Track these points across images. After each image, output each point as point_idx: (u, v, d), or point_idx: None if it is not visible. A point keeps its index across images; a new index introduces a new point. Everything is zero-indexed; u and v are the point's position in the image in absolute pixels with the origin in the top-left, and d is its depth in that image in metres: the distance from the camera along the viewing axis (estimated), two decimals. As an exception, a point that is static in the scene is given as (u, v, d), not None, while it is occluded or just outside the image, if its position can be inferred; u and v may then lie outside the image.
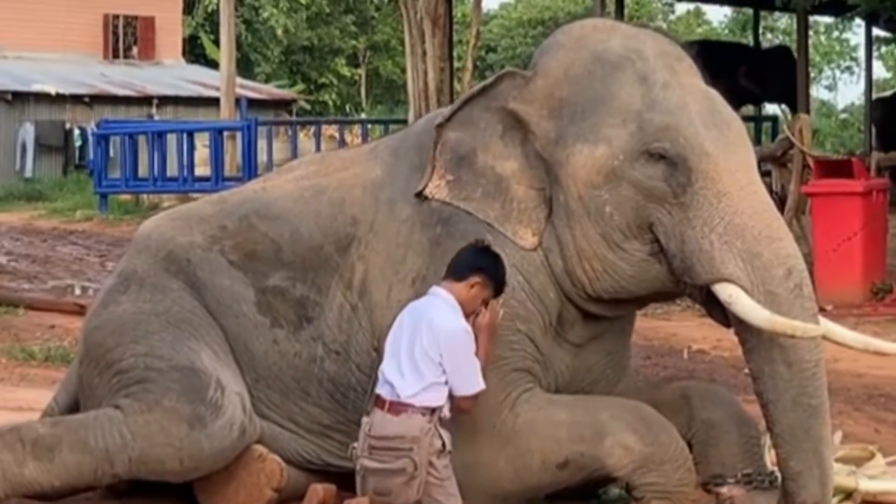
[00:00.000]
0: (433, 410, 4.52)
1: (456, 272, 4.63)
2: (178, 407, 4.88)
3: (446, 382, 4.54)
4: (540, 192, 4.84)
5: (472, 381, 4.54)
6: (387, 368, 4.62)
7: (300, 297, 5.08)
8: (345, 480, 5.16)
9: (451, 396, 4.55)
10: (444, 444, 4.54)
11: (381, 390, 4.59)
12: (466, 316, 4.60)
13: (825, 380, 4.56)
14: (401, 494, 4.48)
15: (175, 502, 5.11)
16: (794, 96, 22.01)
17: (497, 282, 4.63)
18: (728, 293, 4.50)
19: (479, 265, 4.62)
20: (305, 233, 5.11)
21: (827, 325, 4.65)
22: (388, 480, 4.50)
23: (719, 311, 4.61)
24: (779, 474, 4.70)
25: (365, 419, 4.62)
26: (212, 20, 36.88)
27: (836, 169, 11.81)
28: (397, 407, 4.52)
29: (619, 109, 4.70)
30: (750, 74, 20.39)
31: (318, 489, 4.72)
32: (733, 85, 18.01)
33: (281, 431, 5.08)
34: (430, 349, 4.52)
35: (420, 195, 4.89)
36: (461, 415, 4.57)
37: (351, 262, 5.04)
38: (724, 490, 4.76)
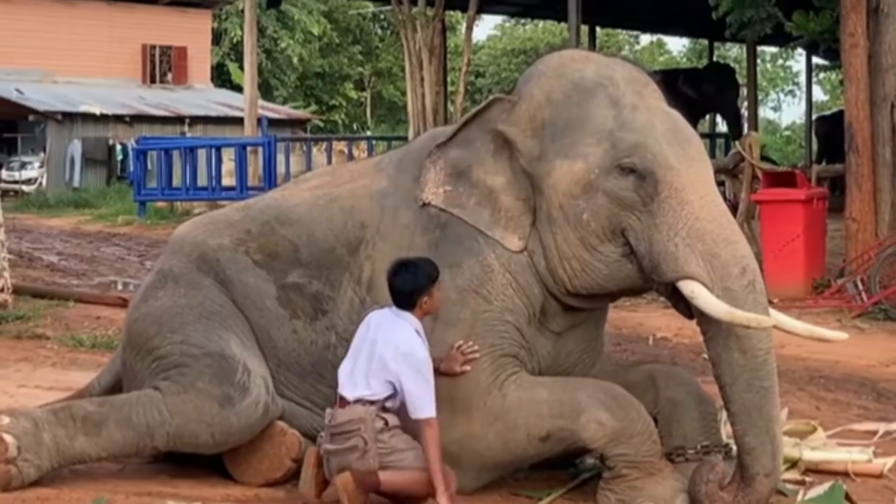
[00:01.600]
0: (373, 402, 4.55)
1: (409, 303, 4.59)
2: (210, 388, 4.87)
3: (391, 397, 4.55)
4: (525, 202, 4.83)
5: (424, 406, 4.47)
6: (344, 370, 4.64)
7: (316, 292, 5.07)
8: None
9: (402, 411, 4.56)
10: (386, 423, 4.55)
11: (341, 391, 4.62)
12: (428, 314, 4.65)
13: (775, 365, 4.55)
14: (360, 468, 4.49)
15: (206, 470, 5.09)
16: (724, 102, 22.35)
17: (432, 281, 4.61)
18: (691, 289, 4.48)
19: (420, 286, 4.58)
20: (320, 236, 5.10)
21: (777, 316, 4.64)
22: (346, 457, 4.52)
23: (683, 305, 4.59)
24: (733, 446, 4.70)
25: (328, 411, 4.66)
26: (236, 50, 36.88)
27: (781, 179, 11.81)
28: (346, 403, 4.58)
29: (594, 129, 4.69)
30: (686, 81, 20.96)
31: (314, 451, 4.70)
32: (675, 90, 19.24)
33: (299, 409, 5.07)
34: (388, 369, 4.50)
35: (422, 204, 4.89)
36: (427, 440, 4.44)
37: (360, 261, 5.03)
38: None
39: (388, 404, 4.57)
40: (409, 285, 4.60)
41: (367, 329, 4.66)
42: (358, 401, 4.56)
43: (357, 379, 4.59)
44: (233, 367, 4.90)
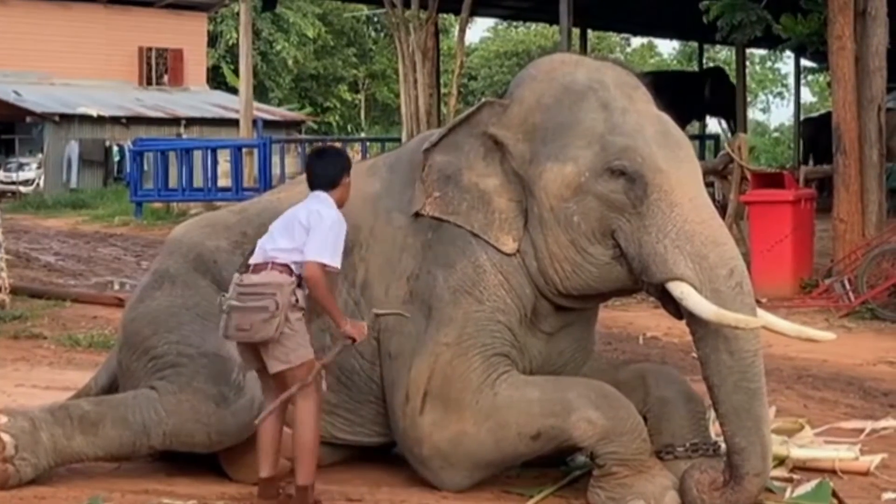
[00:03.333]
0: (292, 272, 4.55)
1: (331, 184, 4.71)
2: (205, 388, 4.86)
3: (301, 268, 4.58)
4: (518, 204, 4.83)
5: (323, 251, 4.52)
6: (260, 242, 4.68)
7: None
8: (351, 452, 5.19)
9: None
10: (297, 300, 4.53)
11: (253, 259, 4.63)
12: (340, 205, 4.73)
13: (762, 366, 4.55)
14: (259, 330, 4.45)
15: (202, 468, 5.09)
16: (723, 104, 22.46)
17: (347, 169, 4.78)
18: (680, 290, 4.49)
19: (342, 168, 4.76)
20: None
21: (766, 317, 4.64)
22: (250, 316, 4.47)
23: (672, 306, 4.60)
24: (721, 444, 4.70)
25: (237, 276, 4.62)
26: (232, 52, 36.78)
27: (769, 181, 11.83)
28: (261, 267, 4.57)
29: (584, 133, 4.70)
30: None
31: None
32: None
33: (295, 410, 5.06)
34: (303, 221, 4.59)
35: (415, 214, 4.90)
36: (309, 284, 4.51)
37: (354, 263, 5.02)
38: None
39: (302, 285, 4.56)
40: (332, 169, 4.75)
41: (285, 213, 4.72)
42: (273, 263, 4.55)
43: (276, 235, 4.63)
44: (228, 368, 4.88)
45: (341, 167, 4.77)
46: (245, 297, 4.50)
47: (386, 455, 5.20)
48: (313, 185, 4.75)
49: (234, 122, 25.49)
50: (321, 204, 4.65)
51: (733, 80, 24.87)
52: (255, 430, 4.83)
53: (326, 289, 4.54)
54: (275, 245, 4.60)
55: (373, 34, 46.18)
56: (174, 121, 31.76)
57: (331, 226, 4.57)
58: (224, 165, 21.48)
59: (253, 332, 4.47)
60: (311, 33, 41.79)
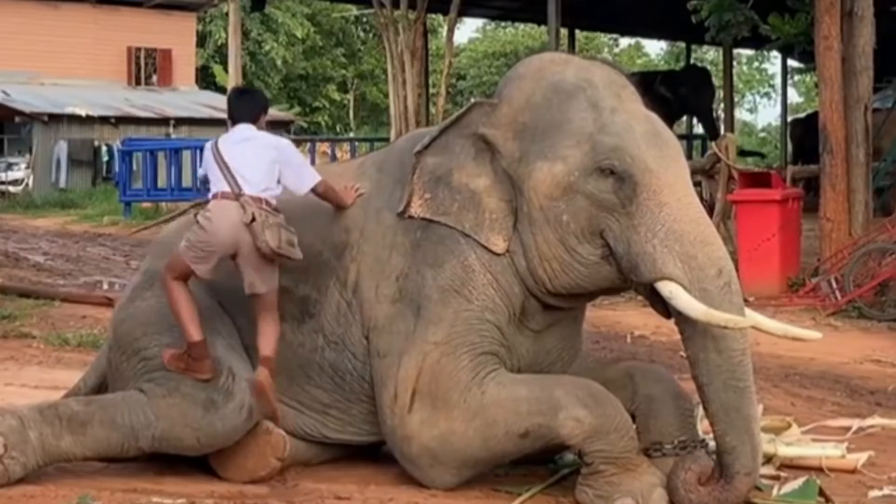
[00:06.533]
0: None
1: (251, 118, 5.06)
2: (194, 393, 4.83)
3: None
4: (508, 203, 4.83)
5: (309, 175, 4.99)
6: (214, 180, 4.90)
7: (303, 296, 5.05)
8: (341, 451, 5.19)
9: None
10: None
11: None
12: None
13: (751, 365, 4.55)
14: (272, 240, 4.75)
15: (191, 467, 5.08)
16: (699, 103, 22.49)
17: (267, 103, 5.23)
18: (669, 290, 4.49)
19: (262, 105, 5.15)
20: (307, 241, 5.03)
21: (754, 317, 4.64)
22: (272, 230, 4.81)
23: (661, 305, 4.59)
24: (710, 441, 4.70)
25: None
26: (221, 52, 36.76)
27: (756, 180, 11.87)
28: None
29: (573, 132, 4.69)
30: (663, 82, 21.42)
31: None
32: (653, 91, 19.87)
33: (286, 409, 5.03)
34: (267, 156, 4.91)
35: (403, 214, 4.89)
36: (327, 195, 5.00)
37: (346, 265, 5.01)
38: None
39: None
40: (258, 103, 5.16)
41: (216, 151, 4.95)
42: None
43: (245, 176, 4.85)
44: (218, 371, 4.85)
45: (264, 102, 5.22)
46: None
47: (375, 454, 5.20)
48: (235, 119, 5.09)
49: (223, 122, 25.21)
50: (268, 135, 5.08)
51: (720, 80, 24.96)
52: (243, 433, 4.83)
53: (336, 193, 5.01)
54: (252, 184, 4.86)
55: (361, 34, 46.18)
56: (163, 121, 31.69)
57: (295, 152, 5.09)
58: (213, 165, 21.42)
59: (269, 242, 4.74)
60: (299, 33, 41.78)
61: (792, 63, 28.17)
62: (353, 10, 38.51)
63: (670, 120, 22.39)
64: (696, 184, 13.40)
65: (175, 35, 35.03)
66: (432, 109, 21.28)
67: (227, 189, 4.83)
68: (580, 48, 33.93)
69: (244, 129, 5.02)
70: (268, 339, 4.83)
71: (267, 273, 4.82)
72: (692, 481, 4.52)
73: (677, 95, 21.42)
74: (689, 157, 20.04)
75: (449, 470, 4.74)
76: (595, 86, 4.79)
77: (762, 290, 10.62)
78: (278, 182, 4.92)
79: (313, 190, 4.98)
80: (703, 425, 4.97)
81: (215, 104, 32.77)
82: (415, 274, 4.84)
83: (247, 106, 5.11)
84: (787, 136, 25.95)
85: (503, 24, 45.29)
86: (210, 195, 4.89)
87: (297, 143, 24.19)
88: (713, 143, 13.67)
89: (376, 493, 4.76)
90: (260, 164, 4.89)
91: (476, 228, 4.80)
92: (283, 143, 5.07)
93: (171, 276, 4.84)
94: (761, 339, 5.75)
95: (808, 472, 5.09)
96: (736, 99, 36.93)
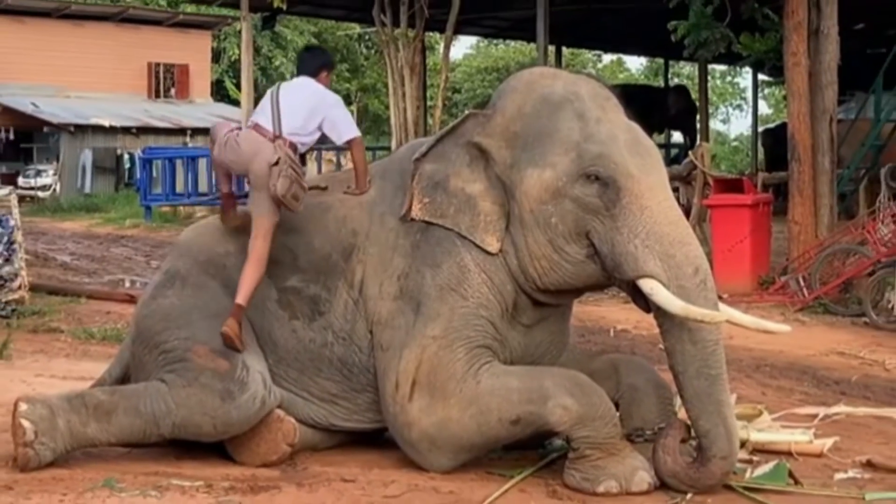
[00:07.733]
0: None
1: (310, 72, 5.28)
2: (211, 383, 4.84)
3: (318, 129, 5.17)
4: (501, 207, 4.84)
5: (349, 128, 5.20)
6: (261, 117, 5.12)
7: (313, 295, 5.05)
8: (346, 437, 5.18)
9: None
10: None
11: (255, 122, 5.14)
12: None
13: (723, 354, 4.57)
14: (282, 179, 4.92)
15: (209, 452, 5.08)
16: (685, 121, 22.57)
17: (333, 64, 5.44)
18: (649, 286, 4.51)
19: (324, 62, 5.35)
20: (317, 244, 5.07)
21: (728, 311, 4.67)
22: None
23: (642, 301, 4.61)
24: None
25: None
26: (234, 67, 36.71)
27: (730, 186, 11.88)
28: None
29: (561, 140, 4.71)
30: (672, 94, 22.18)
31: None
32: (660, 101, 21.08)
33: (297, 399, 5.05)
34: (309, 102, 5.12)
35: (405, 218, 4.90)
36: (358, 152, 5.19)
37: (353, 266, 5.02)
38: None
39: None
40: (319, 59, 5.38)
41: (276, 92, 5.18)
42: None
43: (294, 118, 5.07)
44: (233, 364, 4.86)
45: (328, 58, 5.43)
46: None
47: (378, 439, 5.20)
48: (299, 72, 5.33)
49: (235, 132, 25.34)
50: (317, 86, 5.22)
51: (696, 93, 24.95)
52: (256, 421, 4.83)
53: (365, 158, 5.22)
54: (289, 126, 5.06)
55: (364, 51, 46.14)
56: (180, 131, 31.66)
57: (339, 102, 5.26)
58: (227, 172, 21.39)
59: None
60: (307, 50, 41.67)
61: (762, 77, 28.17)
62: (357, 29, 38.54)
63: (685, 128, 22.92)
64: (675, 189, 13.41)
65: (192, 51, 35.01)
66: (430, 120, 21.26)
67: (268, 127, 5.04)
68: (566, 63, 33.94)
69: (301, 80, 5.26)
70: (244, 287, 4.94)
71: (264, 204, 4.98)
72: (671, 445, 4.54)
73: (677, 109, 21.73)
74: (667, 164, 20.04)
75: (446, 454, 4.75)
76: (581, 98, 4.80)
77: (735, 288, 10.62)
78: (319, 129, 5.15)
79: (348, 142, 5.18)
80: (682, 412, 4.97)
81: (228, 115, 32.65)
82: (415, 273, 4.85)
83: (308, 62, 5.36)
84: (758, 144, 25.97)
85: (495, 41, 45.26)
86: (251, 122, 5.13)
87: (305, 152, 24.26)
88: (690, 152, 13.67)
89: (379, 476, 4.77)
90: (301, 109, 5.10)
91: (471, 229, 4.81)
92: (329, 95, 5.24)
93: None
94: (735, 333, 5.76)
95: (778, 457, 5.10)
96: (710, 111, 36.92)
